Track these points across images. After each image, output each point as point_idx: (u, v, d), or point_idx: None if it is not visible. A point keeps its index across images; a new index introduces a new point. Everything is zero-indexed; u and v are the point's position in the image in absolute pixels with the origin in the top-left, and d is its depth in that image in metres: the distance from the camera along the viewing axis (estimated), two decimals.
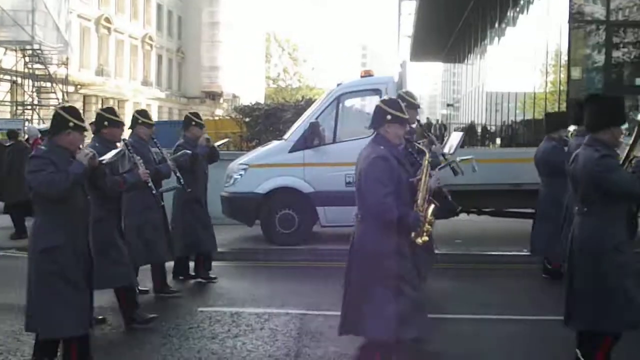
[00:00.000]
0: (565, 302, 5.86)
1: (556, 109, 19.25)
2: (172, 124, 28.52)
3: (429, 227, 5.51)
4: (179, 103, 65.39)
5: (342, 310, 5.72)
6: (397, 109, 5.65)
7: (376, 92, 12.65)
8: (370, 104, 13.56)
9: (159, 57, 62.79)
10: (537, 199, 9.89)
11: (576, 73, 19.53)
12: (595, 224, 5.60)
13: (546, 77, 22.77)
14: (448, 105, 61.24)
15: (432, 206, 5.63)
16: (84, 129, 6.22)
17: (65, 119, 6.03)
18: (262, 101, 36.21)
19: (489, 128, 31.05)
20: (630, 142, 5.83)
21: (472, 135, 31.26)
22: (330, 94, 13.07)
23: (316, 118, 12.56)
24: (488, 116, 31.67)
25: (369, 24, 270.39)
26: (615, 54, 19.57)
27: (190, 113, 10.42)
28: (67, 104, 7.52)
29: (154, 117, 52.97)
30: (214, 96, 67.75)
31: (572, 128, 9.56)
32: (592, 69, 19.84)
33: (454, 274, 10.50)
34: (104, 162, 6.44)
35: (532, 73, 23.88)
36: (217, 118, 37.93)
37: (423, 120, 48.20)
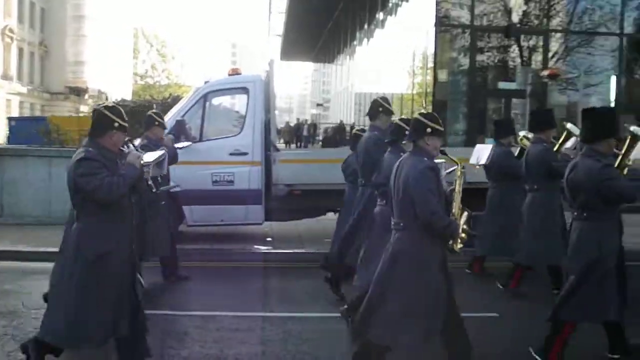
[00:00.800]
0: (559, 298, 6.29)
1: (423, 111, 19.63)
2: (34, 120, 27.18)
3: (464, 235, 5.75)
4: (42, 98, 62.82)
5: (366, 314, 5.80)
6: (436, 122, 5.86)
7: (244, 90, 12.56)
8: (239, 102, 13.36)
9: (20, 51, 60.07)
10: (486, 200, 9.94)
11: (442, 75, 19.98)
12: (594, 228, 6.07)
13: (413, 79, 23.20)
14: (318, 105, 61.76)
15: (466, 214, 5.86)
16: (127, 129, 5.87)
17: (110, 119, 5.71)
18: (129, 98, 35.22)
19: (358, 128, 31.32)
20: (623, 151, 6.37)
21: (342, 135, 31.49)
22: (197, 91, 12.78)
23: (182, 116, 12.20)
24: (357, 116, 32.03)
25: (240, 22, 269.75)
26: (480, 57, 20.16)
27: (153, 112, 9.89)
28: (109, 103, 6.76)
29: (15, 113, 50.68)
30: (78, 92, 65.42)
31: (521, 133, 9.85)
32: (457, 71, 20.34)
33: (322, 273, 10.41)
34: (146, 164, 6.00)
35: (400, 75, 24.28)
36: (81, 115, 36.59)
37: (293, 121, 48.51)
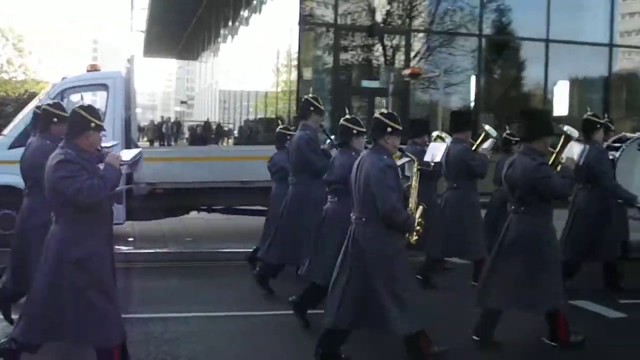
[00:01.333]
0: (483, 286, 6.68)
1: (287, 109, 19.51)
2: None
3: (419, 228, 6.10)
4: None
5: (344, 304, 5.99)
6: (396, 121, 6.08)
7: (103, 87, 12.14)
8: (99, 99, 12.84)
9: None
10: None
11: (307, 74, 19.90)
12: (531, 221, 6.47)
13: (278, 77, 23.02)
14: (182, 102, 60.77)
15: (421, 208, 6.22)
16: (103, 129, 5.69)
17: (86, 119, 5.50)
18: None
19: (223, 126, 30.96)
20: (557, 149, 6.79)
21: (208, 134, 30.97)
22: (54, 88, 12.18)
23: None
24: (222, 114, 31.58)
25: (102, 18, 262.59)
26: (344, 56, 20.22)
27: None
28: (85, 103, 6.55)
29: None
30: None
31: (435, 133, 9.88)
32: (322, 70, 20.32)
33: (184, 272, 10.17)
34: (124, 163, 5.83)
35: (265, 73, 24.05)
36: None
37: (157, 119, 47.49)
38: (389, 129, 6.02)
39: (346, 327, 6.06)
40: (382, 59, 21.02)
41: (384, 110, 6.34)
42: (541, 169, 6.37)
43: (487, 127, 8.97)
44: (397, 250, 5.99)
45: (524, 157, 6.47)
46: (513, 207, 6.61)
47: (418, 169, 6.30)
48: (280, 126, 10.30)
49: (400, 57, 20.47)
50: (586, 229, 8.38)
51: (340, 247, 6.27)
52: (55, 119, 6.99)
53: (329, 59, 20.07)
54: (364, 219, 5.98)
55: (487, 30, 20.74)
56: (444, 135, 9.60)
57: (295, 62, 19.80)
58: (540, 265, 6.42)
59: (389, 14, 21.11)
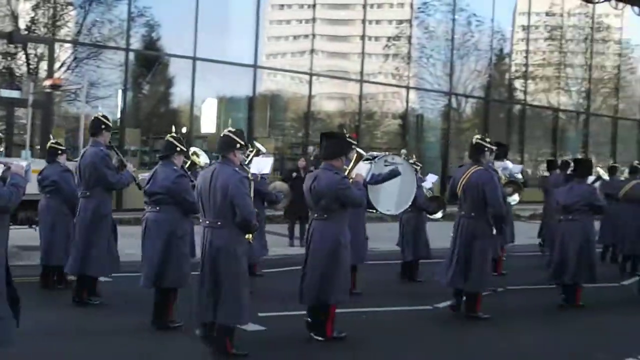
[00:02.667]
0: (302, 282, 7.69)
1: (231, 129, 17.80)
2: None
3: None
4: None
5: (210, 299, 6.82)
6: (243, 138, 7.01)
7: None
8: None
9: None
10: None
11: None
12: (333, 226, 7.59)
13: None
14: None
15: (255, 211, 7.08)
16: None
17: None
18: None
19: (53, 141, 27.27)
20: (350, 165, 8.01)
21: None
22: None
23: None
24: None
25: None
26: None
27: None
28: None
29: None
30: None
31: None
32: None
33: None
34: None
35: None
36: None
37: None
38: (238, 145, 6.90)
39: (209, 320, 6.85)
40: (25, 68, 19.90)
41: (232, 129, 7.06)
42: (343, 182, 7.53)
43: (358, 149, 9.00)
44: (244, 250, 6.93)
45: (327, 172, 7.61)
46: (316, 215, 7.67)
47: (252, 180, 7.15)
48: (52, 141, 10.00)
49: (44, 66, 19.52)
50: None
51: (163, 251, 7.69)
52: None
53: None
54: (219, 223, 6.78)
55: (136, 44, 20.56)
56: (259, 145, 10.57)
57: None
58: (338, 265, 7.56)
59: (33, 21, 20.05)
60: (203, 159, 10.31)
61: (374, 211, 8.96)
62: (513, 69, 29.80)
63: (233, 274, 6.76)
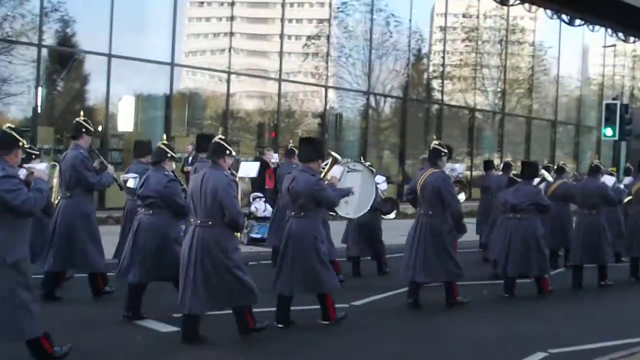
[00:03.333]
0: (279, 274, 8.53)
1: (222, 136, 17.03)
2: None
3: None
4: None
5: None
6: (231, 146, 7.87)
7: None
8: None
9: None
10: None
11: None
12: (308, 223, 8.47)
13: None
14: None
15: None
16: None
17: (16, 138, 6.40)
18: None
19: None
20: (326, 169, 8.91)
21: None
22: None
23: None
24: None
25: None
26: None
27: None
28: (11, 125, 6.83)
29: None
30: None
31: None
32: None
33: None
34: None
35: None
36: None
37: None
38: (227, 152, 7.77)
39: (206, 311, 7.71)
40: None
41: (222, 136, 7.97)
42: (319, 183, 8.46)
43: (333, 153, 9.63)
44: (236, 247, 7.80)
45: (304, 174, 8.48)
46: (294, 213, 8.53)
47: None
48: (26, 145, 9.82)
49: None
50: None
51: (158, 251, 8.42)
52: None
53: None
54: (210, 222, 7.53)
55: (49, 40, 20.03)
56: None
57: None
58: (319, 256, 8.43)
59: None
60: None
61: (334, 214, 9.80)
62: (431, 69, 30.22)
63: (225, 266, 7.53)
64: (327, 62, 25.86)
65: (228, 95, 23.25)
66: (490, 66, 32.11)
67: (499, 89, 32.20)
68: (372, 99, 27.50)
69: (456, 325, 9.10)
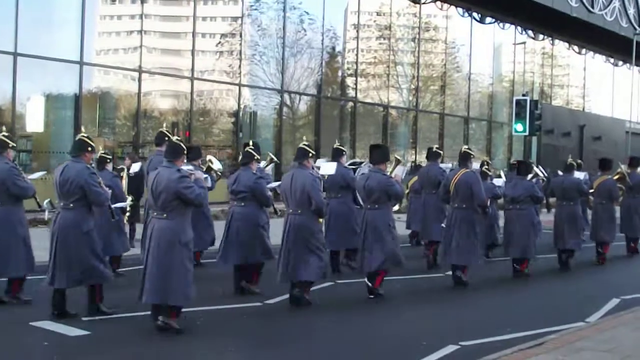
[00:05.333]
0: (363, 254, 10.44)
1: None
2: None
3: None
4: None
5: (284, 264, 9.64)
6: (312, 149, 10.11)
7: None
8: None
9: None
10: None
11: None
12: (382, 213, 10.37)
13: None
14: None
15: None
16: None
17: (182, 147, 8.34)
18: None
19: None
20: (392, 169, 10.62)
21: None
22: None
23: None
24: None
25: None
26: None
27: None
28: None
29: None
30: None
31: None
32: None
33: None
34: None
35: None
36: None
37: None
38: (310, 154, 9.80)
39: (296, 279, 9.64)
40: None
41: (306, 142, 9.98)
42: (390, 181, 10.27)
43: (397, 156, 11.63)
44: (319, 228, 9.87)
45: (377, 174, 10.36)
46: (369, 206, 10.35)
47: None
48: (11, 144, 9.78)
49: None
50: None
51: (252, 235, 10.18)
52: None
53: None
54: (299, 211, 9.54)
55: None
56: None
57: None
58: (394, 240, 10.44)
59: None
60: (217, 165, 12.38)
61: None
62: (345, 66, 30.46)
63: (311, 243, 9.54)
64: (240, 61, 25.79)
65: (140, 94, 22.95)
66: (403, 64, 32.58)
67: (412, 86, 32.70)
68: (286, 97, 27.58)
69: (377, 320, 9.31)
